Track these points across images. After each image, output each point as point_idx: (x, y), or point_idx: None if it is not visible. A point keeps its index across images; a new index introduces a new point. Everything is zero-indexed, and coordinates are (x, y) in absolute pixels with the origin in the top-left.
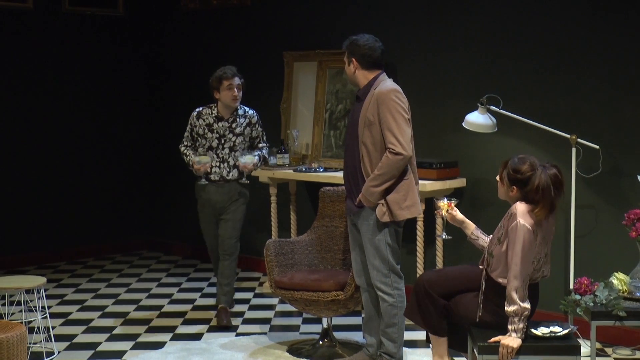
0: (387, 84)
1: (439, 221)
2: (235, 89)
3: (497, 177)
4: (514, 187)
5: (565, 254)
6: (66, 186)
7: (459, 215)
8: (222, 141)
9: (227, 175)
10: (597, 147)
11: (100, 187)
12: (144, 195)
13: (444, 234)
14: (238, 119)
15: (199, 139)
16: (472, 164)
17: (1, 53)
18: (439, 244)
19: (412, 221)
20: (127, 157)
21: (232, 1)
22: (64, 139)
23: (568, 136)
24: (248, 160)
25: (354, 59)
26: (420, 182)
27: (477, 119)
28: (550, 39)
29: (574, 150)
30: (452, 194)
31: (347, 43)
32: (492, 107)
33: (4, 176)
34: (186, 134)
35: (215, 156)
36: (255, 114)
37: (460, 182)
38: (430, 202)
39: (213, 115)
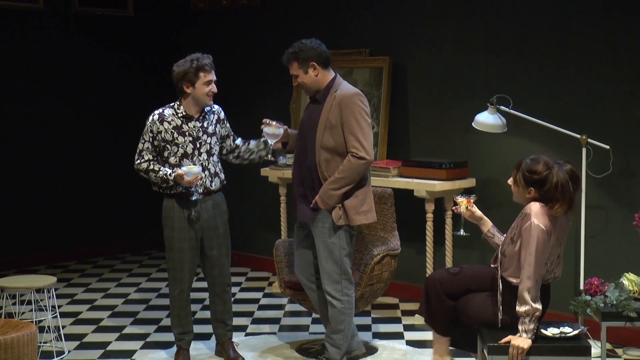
0: (348, 86)
1: (448, 222)
2: (214, 85)
3: (509, 181)
4: (532, 188)
5: (575, 255)
6: (76, 186)
7: (478, 211)
8: (198, 145)
9: (211, 186)
10: (608, 147)
11: (111, 187)
12: (154, 195)
13: (462, 230)
14: (208, 117)
15: (168, 146)
16: (482, 164)
17: (11, 53)
18: (448, 245)
19: (422, 220)
20: None
21: (242, 1)
22: (74, 138)
23: (578, 136)
24: (277, 131)
25: (313, 63)
26: (430, 182)
27: (487, 119)
28: (560, 39)
29: (584, 150)
30: (462, 194)
31: (293, 55)
32: (502, 107)
33: (14, 176)
34: (145, 145)
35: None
36: (220, 109)
37: (469, 182)
38: (439, 202)
39: (179, 115)
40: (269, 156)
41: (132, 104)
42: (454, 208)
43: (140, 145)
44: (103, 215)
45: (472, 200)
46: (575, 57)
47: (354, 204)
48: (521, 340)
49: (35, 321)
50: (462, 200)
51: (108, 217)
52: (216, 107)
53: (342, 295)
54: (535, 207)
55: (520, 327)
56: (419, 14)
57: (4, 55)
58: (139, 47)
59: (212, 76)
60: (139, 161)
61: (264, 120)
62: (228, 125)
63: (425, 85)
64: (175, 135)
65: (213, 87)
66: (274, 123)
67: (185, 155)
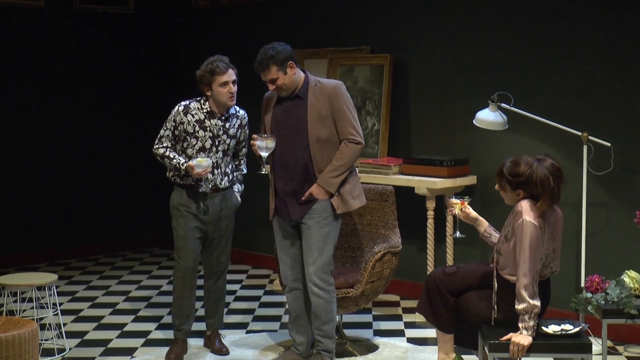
0: (327, 79)
1: (449, 219)
2: (231, 85)
3: (497, 187)
4: (520, 190)
5: (576, 252)
6: (77, 183)
7: (473, 213)
8: (216, 142)
9: (221, 184)
10: (609, 144)
11: (112, 185)
12: (155, 193)
13: (458, 232)
14: (231, 119)
15: (188, 138)
16: (483, 162)
17: (13, 51)
18: (449, 242)
19: (423, 219)
20: (138, 154)
21: None
22: (75, 136)
23: (579, 134)
24: (271, 143)
25: (291, 62)
26: (431, 179)
27: (488, 117)
28: (562, 36)
29: (585, 147)
30: (462, 192)
31: (271, 59)
32: (503, 105)
33: (15, 174)
34: (166, 132)
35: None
36: (245, 114)
37: (470, 180)
38: (440, 200)
39: (204, 110)
40: (264, 170)
41: (133, 101)
42: (448, 210)
43: (161, 132)
44: (104, 212)
45: (466, 202)
46: (576, 54)
47: (349, 190)
48: (522, 338)
49: (37, 319)
50: (456, 202)
51: (109, 215)
52: (242, 112)
53: (328, 285)
54: (526, 204)
55: (520, 325)
56: (420, 12)
57: (5, 52)
58: (139, 44)
59: (228, 77)
60: (157, 146)
61: (254, 136)
62: (247, 133)
63: (426, 82)
64: (197, 128)
65: (230, 88)
66: (264, 135)
67: (202, 149)
